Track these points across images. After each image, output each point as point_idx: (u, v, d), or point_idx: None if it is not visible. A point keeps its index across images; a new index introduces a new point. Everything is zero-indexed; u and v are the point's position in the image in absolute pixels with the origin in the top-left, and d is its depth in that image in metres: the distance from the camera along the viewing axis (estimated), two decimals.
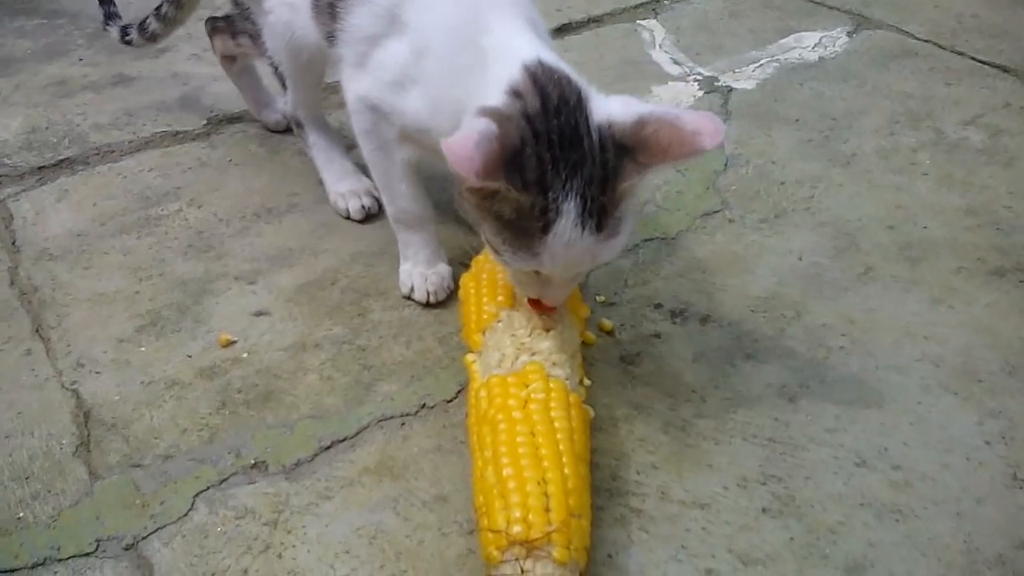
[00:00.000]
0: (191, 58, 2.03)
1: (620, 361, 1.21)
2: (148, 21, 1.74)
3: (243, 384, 1.20)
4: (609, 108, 0.98)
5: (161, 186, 1.60)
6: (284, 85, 1.54)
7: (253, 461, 1.09)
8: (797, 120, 1.73)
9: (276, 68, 1.52)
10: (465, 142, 0.90)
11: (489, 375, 1.05)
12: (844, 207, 1.50)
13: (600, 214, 0.96)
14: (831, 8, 2.17)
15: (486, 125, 0.92)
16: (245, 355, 1.24)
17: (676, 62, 1.96)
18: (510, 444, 0.96)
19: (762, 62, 1.95)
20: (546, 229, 0.95)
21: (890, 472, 1.06)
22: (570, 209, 0.94)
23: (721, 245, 1.42)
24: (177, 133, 1.76)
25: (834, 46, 2.00)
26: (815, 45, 2.01)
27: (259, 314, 1.31)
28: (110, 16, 1.82)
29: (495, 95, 0.99)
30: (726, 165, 1.61)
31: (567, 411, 1.01)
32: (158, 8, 1.72)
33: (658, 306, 1.30)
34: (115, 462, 1.09)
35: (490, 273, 1.16)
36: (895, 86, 1.84)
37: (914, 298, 1.30)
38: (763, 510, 1.02)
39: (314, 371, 1.22)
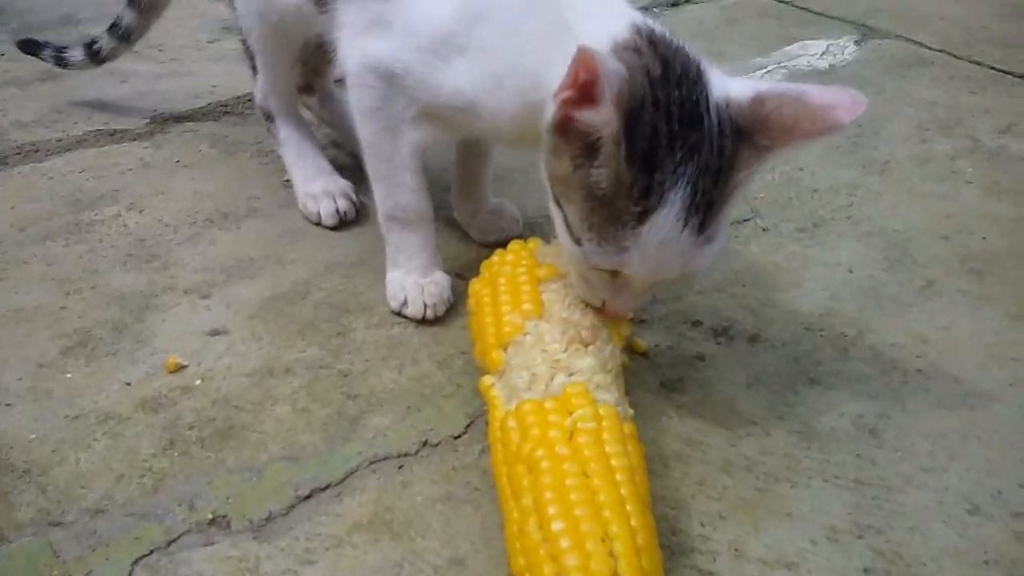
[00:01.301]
0: (131, 55, 1.78)
1: (661, 387, 1.00)
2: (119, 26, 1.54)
3: (196, 418, 0.95)
4: (727, 85, 0.83)
5: (95, 188, 1.36)
6: (254, 67, 1.32)
7: (211, 515, 0.85)
8: None
9: (246, 45, 1.29)
10: (604, 59, 0.75)
11: (519, 401, 0.83)
12: (887, 216, 1.32)
13: (707, 210, 0.80)
14: (832, 18, 2.04)
15: (616, 62, 0.77)
16: (198, 382, 1.00)
17: None
18: (558, 488, 0.74)
19: (769, 68, 1.78)
20: (643, 218, 0.79)
21: (1011, 521, 0.86)
22: (676, 200, 0.79)
23: (758, 256, 1.23)
24: (115, 132, 1.52)
25: (843, 54, 1.85)
26: (823, 53, 1.86)
27: (215, 333, 1.07)
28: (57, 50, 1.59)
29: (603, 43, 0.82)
30: None
31: (623, 445, 0.79)
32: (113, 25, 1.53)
33: (696, 324, 1.10)
34: (28, 519, 0.84)
35: (510, 277, 0.94)
36: (916, 94, 1.68)
37: (989, 315, 1.12)
38: (866, 570, 0.81)
39: (285, 401, 0.98)
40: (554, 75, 0.81)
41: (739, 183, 0.81)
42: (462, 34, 0.92)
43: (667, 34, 0.86)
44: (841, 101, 0.77)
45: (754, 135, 0.80)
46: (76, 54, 1.57)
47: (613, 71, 0.75)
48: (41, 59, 1.59)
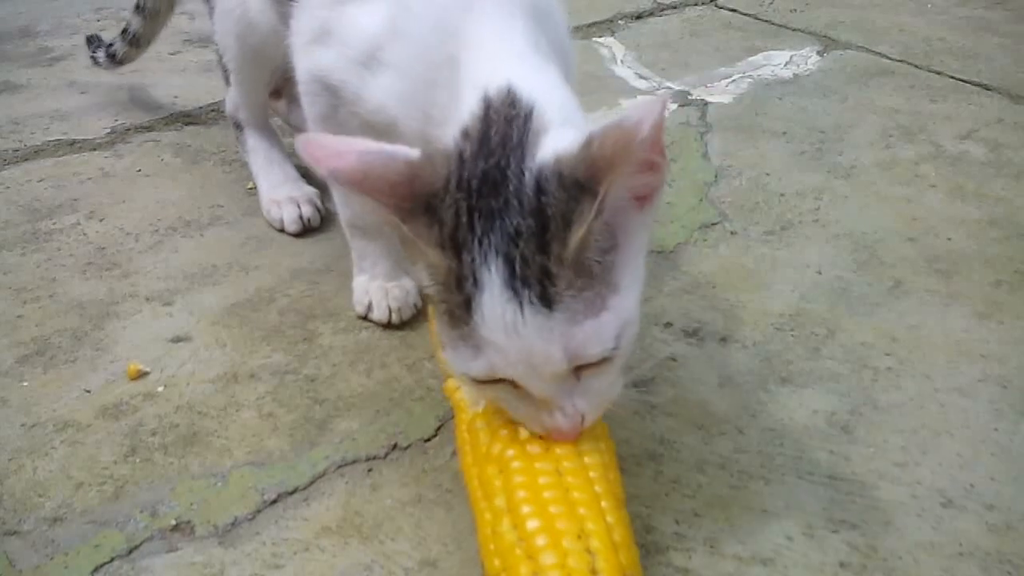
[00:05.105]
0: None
1: (633, 388, 0.99)
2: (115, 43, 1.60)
3: (159, 424, 0.93)
4: (565, 139, 0.70)
5: (53, 198, 1.33)
6: (227, 80, 1.31)
7: (174, 522, 0.82)
8: (784, 133, 1.57)
9: (221, 58, 1.28)
10: (348, 142, 0.70)
11: (486, 402, 0.81)
12: (855, 219, 1.32)
13: (543, 280, 0.67)
14: (795, 30, 2.05)
15: (407, 150, 0.71)
16: (161, 389, 0.98)
17: (642, 77, 1.79)
18: (531, 488, 0.72)
19: (734, 78, 1.79)
20: (469, 306, 0.69)
21: (985, 513, 0.85)
22: (493, 278, 0.68)
23: (727, 259, 1.22)
24: (74, 142, 1.49)
25: (806, 64, 1.87)
26: (786, 63, 1.87)
27: (177, 340, 1.05)
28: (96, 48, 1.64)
29: (454, 132, 0.75)
30: (716, 176, 1.43)
31: (596, 442, 0.78)
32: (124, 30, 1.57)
33: (667, 325, 1.09)
34: None
35: None
36: (879, 102, 1.70)
37: (957, 313, 1.13)
38: (841, 564, 0.80)
39: (250, 407, 0.96)
40: (440, 109, 0.78)
41: (585, 241, 0.67)
42: (386, 47, 0.87)
43: (520, 96, 0.74)
44: (645, 113, 0.64)
45: (590, 181, 0.67)
46: (100, 54, 1.63)
47: (345, 153, 0.69)
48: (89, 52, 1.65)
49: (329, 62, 0.93)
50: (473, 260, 0.68)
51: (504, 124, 0.73)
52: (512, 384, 0.72)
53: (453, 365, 0.73)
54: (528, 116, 0.73)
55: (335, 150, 0.69)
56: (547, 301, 0.67)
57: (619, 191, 0.69)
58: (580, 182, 0.67)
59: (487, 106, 0.74)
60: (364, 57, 0.89)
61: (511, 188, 0.69)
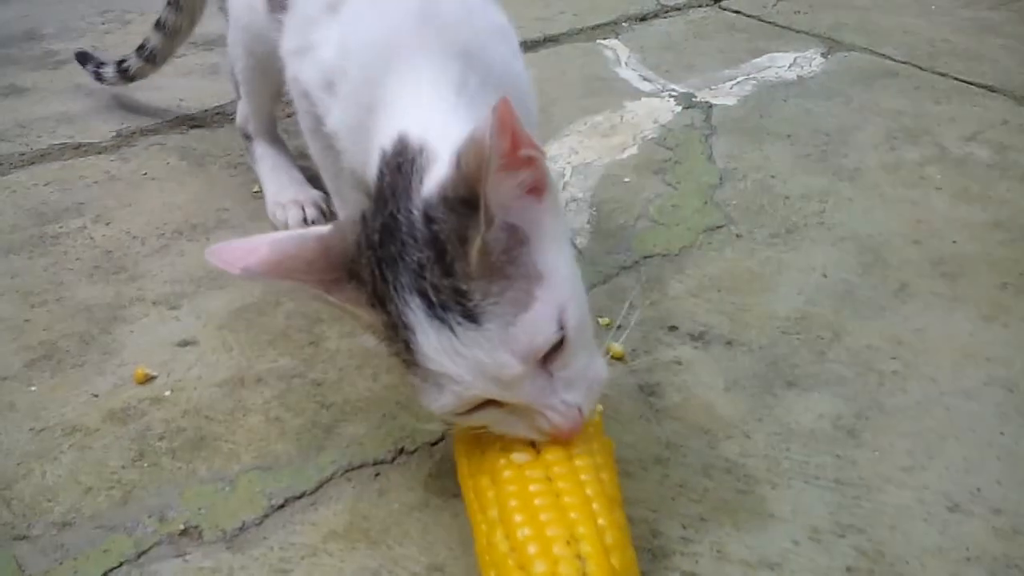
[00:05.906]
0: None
1: (639, 391, 0.99)
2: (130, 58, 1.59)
3: (166, 429, 0.93)
4: (444, 168, 0.71)
5: (60, 201, 1.33)
6: (238, 92, 1.32)
7: (183, 526, 0.83)
8: (789, 135, 1.57)
9: (232, 69, 1.30)
10: (258, 239, 0.73)
11: None
12: (860, 222, 1.32)
13: (459, 300, 0.68)
14: (798, 32, 2.05)
15: (317, 228, 0.76)
16: (168, 393, 0.98)
17: (646, 79, 1.79)
18: (522, 496, 0.72)
19: (739, 79, 1.79)
20: (411, 350, 0.71)
21: (991, 518, 0.85)
22: (417, 315, 0.69)
23: (733, 262, 1.22)
24: (80, 145, 1.50)
25: (810, 66, 1.87)
26: (791, 65, 1.87)
27: (184, 344, 1.05)
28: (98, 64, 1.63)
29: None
30: (721, 179, 1.43)
31: (587, 444, 0.77)
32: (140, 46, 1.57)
33: (673, 328, 1.09)
34: None
35: None
36: (883, 103, 1.70)
37: (962, 316, 1.13)
38: (848, 569, 0.80)
39: (257, 411, 0.96)
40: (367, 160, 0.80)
41: (483, 253, 0.68)
42: (337, 69, 0.87)
43: (409, 143, 0.75)
44: (492, 121, 0.64)
45: (470, 196, 0.67)
46: (109, 71, 1.61)
47: (258, 251, 0.72)
48: (86, 71, 1.63)
49: (306, 76, 0.94)
50: (396, 306, 0.70)
51: (393, 174, 0.75)
52: (494, 403, 0.72)
53: (430, 408, 0.73)
54: (415, 158, 0.74)
55: (245, 249, 0.72)
56: (471, 317, 0.68)
57: (504, 194, 0.69)
58: (463, 199, 0.68)
59: (383, 161, 0.76)
60: (324, 81, 0.90)
61: (404, 230, 0.70)
